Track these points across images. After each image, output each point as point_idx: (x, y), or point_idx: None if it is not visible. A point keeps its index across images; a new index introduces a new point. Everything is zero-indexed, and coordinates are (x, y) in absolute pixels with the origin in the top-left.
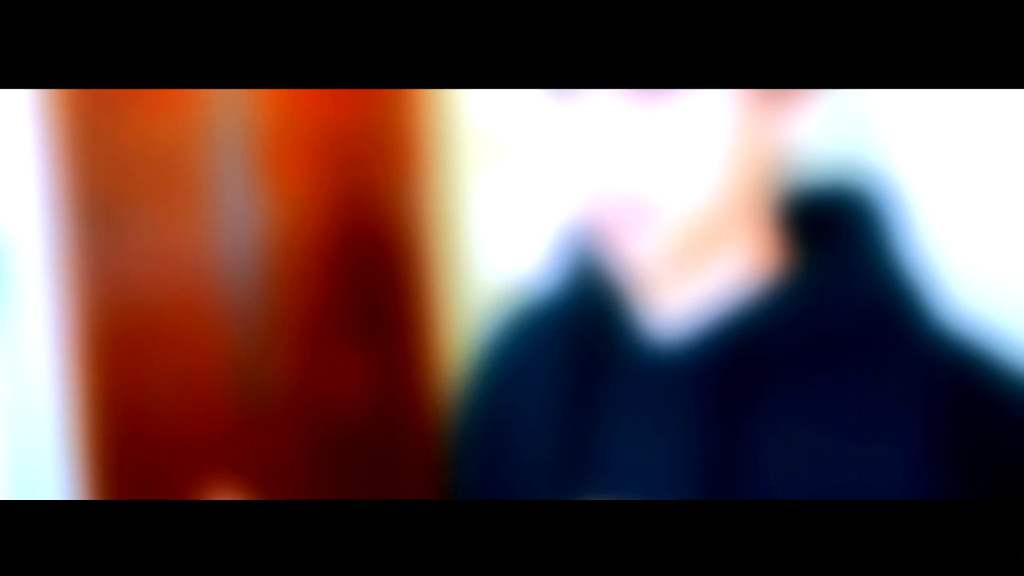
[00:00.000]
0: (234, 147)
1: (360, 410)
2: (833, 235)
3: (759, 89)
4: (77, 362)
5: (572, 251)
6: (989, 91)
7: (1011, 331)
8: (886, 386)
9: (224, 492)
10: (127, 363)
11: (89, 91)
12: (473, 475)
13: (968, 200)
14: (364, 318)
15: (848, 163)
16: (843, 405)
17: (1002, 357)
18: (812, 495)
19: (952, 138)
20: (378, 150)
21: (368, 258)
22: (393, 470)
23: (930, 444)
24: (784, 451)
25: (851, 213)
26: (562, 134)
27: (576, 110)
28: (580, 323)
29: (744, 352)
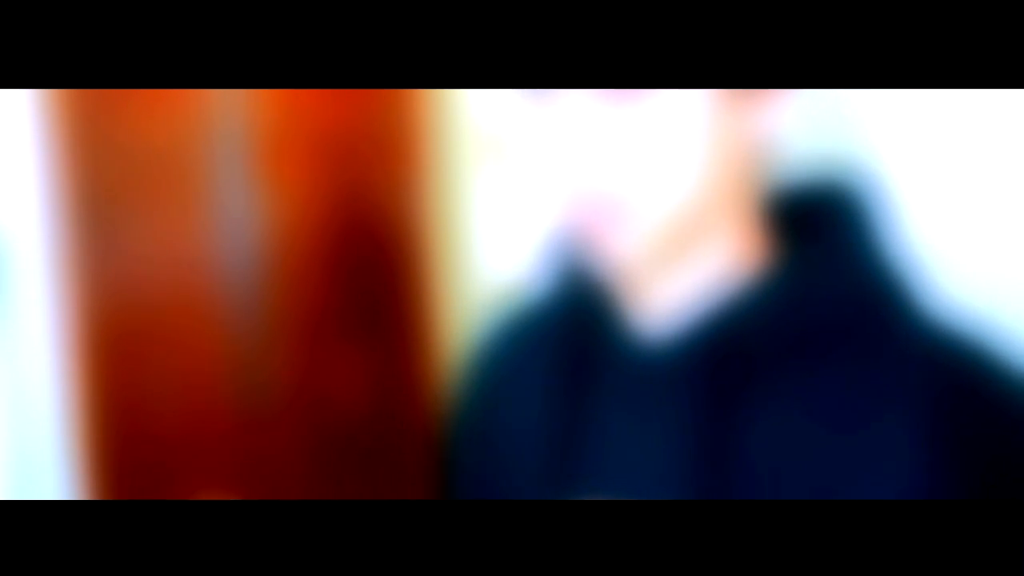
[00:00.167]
0: (233, 147)
1: (359, 410)
2: (817, 229)
3: (737, 88)
4: (77, 362)
5: (558, 253)
6: (968, 91)
7: (999, 322)
8: (874, 378)
9: (224, 492)
10: (127, 363)
11: (89, 91)
12: (467, 475)
13: (951, 194)
14: (363, 318)
15: (830, 159)
16: (832, 397)
17: (990, 347)
18: (802, 488)
19: (933, 135)
20: (377, 150)
21: (367, 258)
22: (392, 470)
23: (920, 434)
24: (774, 445)
25: (835, 207)
26: (541, 136)
27: (554, 111)
28: (568, 324)
29: (732, 347)
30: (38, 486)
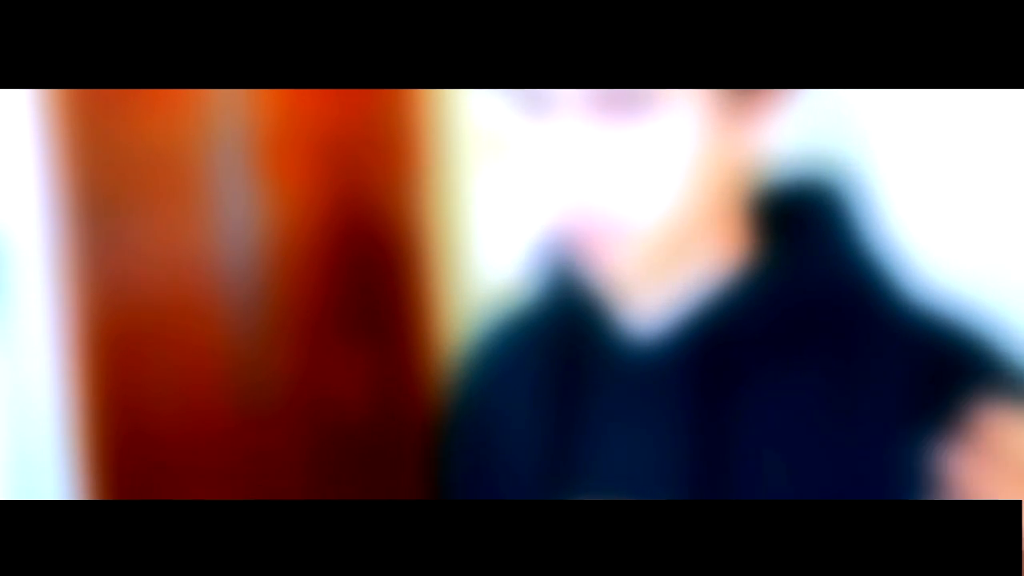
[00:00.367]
0: (233, 147)
1: (359, 410)
2: (803, 225)
3: (728, 89)
4: (77, 362)
5: (550, 256)
6: (959, 91)
7: (985, 314)
8: (860, 370)
9: (223, 492)
10: (127, 363)
11: (89, 91)
12: (462, 476)
13: (937, 190)
14: (363, 318)
15: (816, 157)
16: (823, 389)
17: (975, 340)
18: (794, 481)
19: (918, 133)
20: (377, 150)
21: (367, 258)
22: (392, 470)
23: (905, 424)
24: (767, 439)
25: (818, 203)
26: (535, 140)
27: (548, 115)
28: (561, 324)
29: (721, 343)
30: (38, 486)
